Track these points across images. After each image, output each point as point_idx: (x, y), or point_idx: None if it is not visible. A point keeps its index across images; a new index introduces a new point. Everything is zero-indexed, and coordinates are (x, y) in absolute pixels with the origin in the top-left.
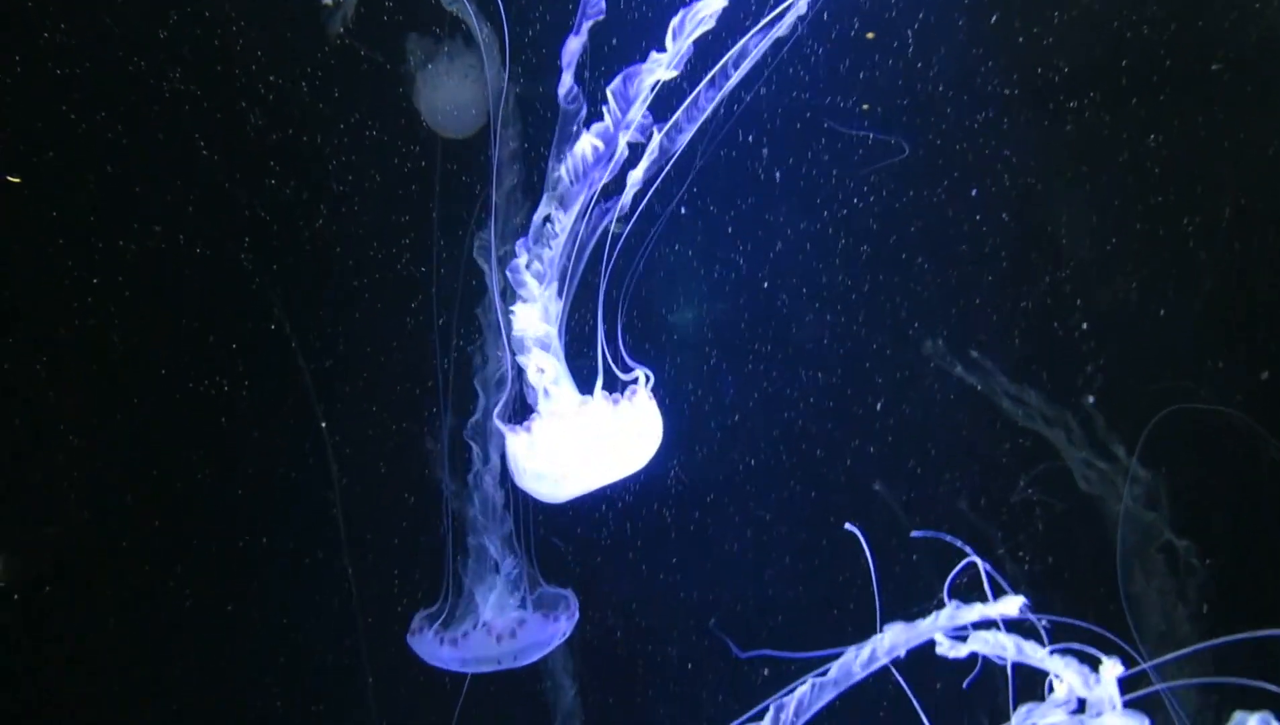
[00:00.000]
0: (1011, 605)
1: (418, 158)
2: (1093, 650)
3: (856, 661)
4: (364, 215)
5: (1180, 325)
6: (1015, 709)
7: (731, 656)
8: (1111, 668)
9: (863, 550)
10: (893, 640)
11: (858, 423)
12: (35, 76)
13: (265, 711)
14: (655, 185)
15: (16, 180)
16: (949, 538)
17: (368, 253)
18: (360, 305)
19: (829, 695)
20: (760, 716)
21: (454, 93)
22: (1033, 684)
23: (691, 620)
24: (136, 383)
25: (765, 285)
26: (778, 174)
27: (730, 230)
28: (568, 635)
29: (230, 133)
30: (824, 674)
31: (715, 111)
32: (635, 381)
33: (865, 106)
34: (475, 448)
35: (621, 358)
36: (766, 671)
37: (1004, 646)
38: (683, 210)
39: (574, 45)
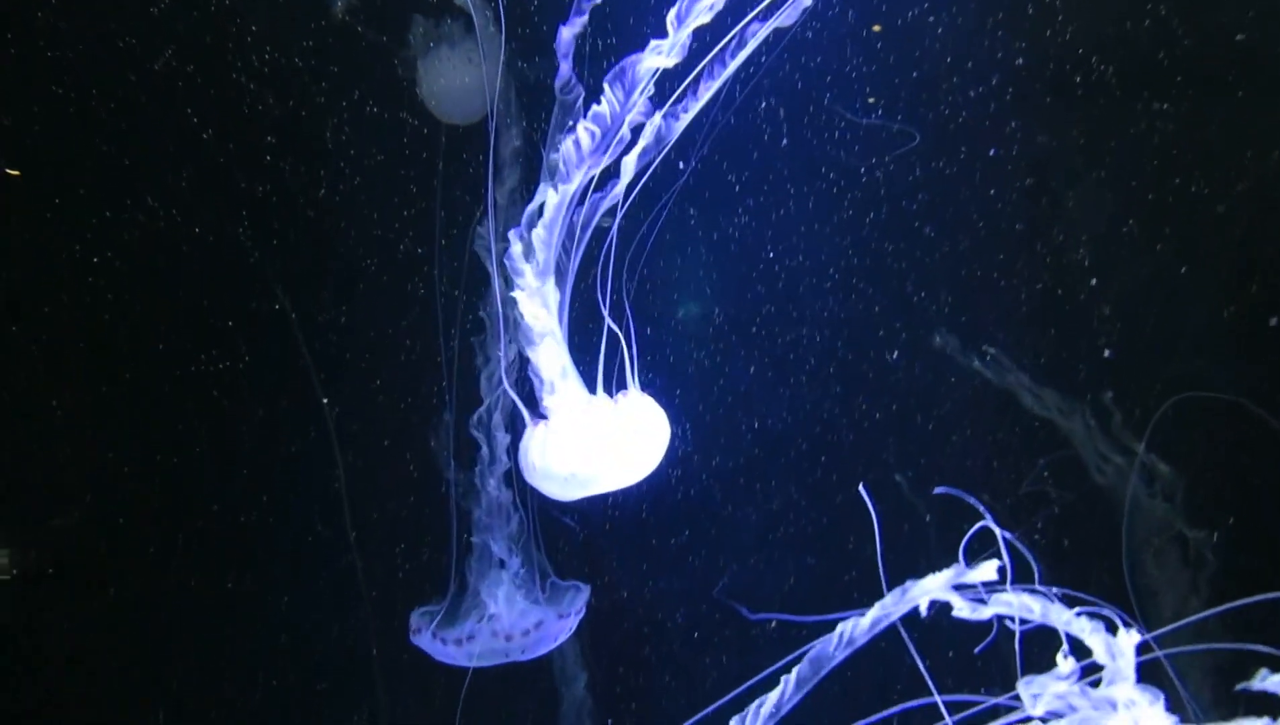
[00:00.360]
0: (988, 570)
1: (420, 136)
2: (1113, 615)
3: (853, 630)
4: (365, 193)
5: (1196, 306)
6: (1021, 677)
7: (739, 623)
8: (1128, 637)
9: (873, 514)
10: (891, 605)
11: (865, 385)
12: (27, 58)
13: (267, 691)
14: (649, 172)
15: (15, 173)
16: (970, 498)
17: (371, 231)
18: (363, 283)
19: (836, 659)
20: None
21: (455, 80)
22: (1039, 653)
23: (699, 586)
24: (135, 364)
25: (770, 253)
26: (784, 141)
27: (735, 196)
28: (574, 630)
29: (226, 109)
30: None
31: (717, 90)
32: (630, 370)
33: (872, 100)
34: (481, 442)
35: (621, 344)
36: (774, 623)
37: (1029, 608)
38: (682, 164)
39: (567, 35)
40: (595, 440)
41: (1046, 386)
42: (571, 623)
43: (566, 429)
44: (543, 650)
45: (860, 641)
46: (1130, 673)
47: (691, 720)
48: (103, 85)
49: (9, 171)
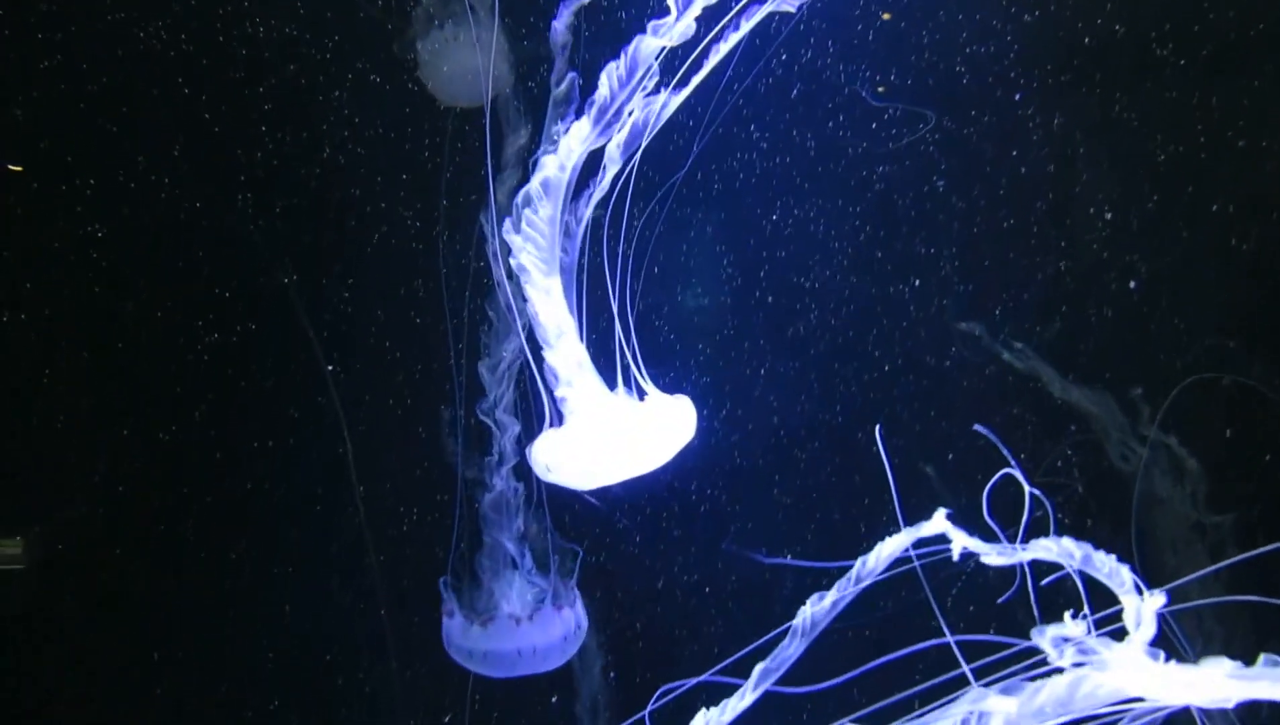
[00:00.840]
0: (938, 522)
1: (427, 108)
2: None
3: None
4: (365, 167)
5: (1220, 289)
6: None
7: (752, 578)
8: (1153, 600)
9: (889, 463)
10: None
11: (879, 330)
12: (17, 36)
13: (275, 660)
14: (638, 152)
15: (18, 169)
16: (997, 442)
17: (378, 205)
18: (368, 257)
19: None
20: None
21: (456, 64)
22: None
23: (712, 540)
24: (137, 339)
25: (782, 221)
26: (794, 90)
27: (751, 167)
28: (584, 628)
29: (223, 80)
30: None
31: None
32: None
33: (881, 89)
34: (490, 436)
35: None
36: (790, 587)
37: (1071, 554)
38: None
39: (560, 27)
40: (613, 437)
41: (1073, 380)
42: (580, 618)
43: (584, 426)
44: (557, 660)
45: (835, 610)
46: (1147, 634)
47: (709, 672)
48: (92, 60)
49: (11, 167)
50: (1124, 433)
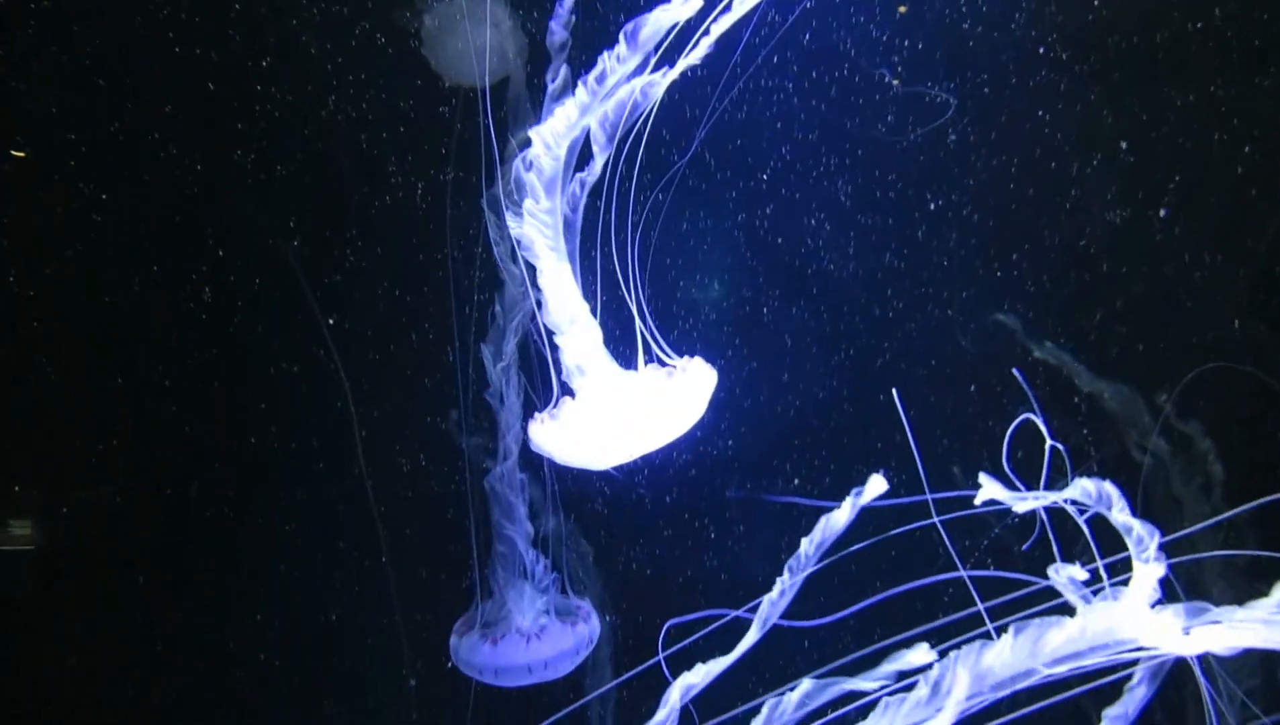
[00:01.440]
0: (877, 486)
1: (435, 75)
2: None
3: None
4: (369, 130)
5: (1234, 278)
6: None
7: (761, 522)
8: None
9: (899, 421)
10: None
11: (891, 276)
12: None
13: (280, 631)
14: (638, 127)
15: (22, 155)
16: (1025, 385)
17: (385, 168)
18: (374, 224)
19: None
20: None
21: (461, 39)
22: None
23: (720, 483)
24: (142, 308)
25: (792, 169)
26: (808, 41)
27: (762, 120)
28: (595, 637)
29: (222, 44)
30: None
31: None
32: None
33: (895, 82)
34: (498, 418)
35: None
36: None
37: (1109, 498)
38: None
39: (558, 26)
40: (630, 417)
41: (1100, 376)
42: (594, 630)
43: (599, 409)
44: (567, 667)
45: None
46: (1152, 586)
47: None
48: (89, 20)
49: (14, 153)
50: (1144, 427)
